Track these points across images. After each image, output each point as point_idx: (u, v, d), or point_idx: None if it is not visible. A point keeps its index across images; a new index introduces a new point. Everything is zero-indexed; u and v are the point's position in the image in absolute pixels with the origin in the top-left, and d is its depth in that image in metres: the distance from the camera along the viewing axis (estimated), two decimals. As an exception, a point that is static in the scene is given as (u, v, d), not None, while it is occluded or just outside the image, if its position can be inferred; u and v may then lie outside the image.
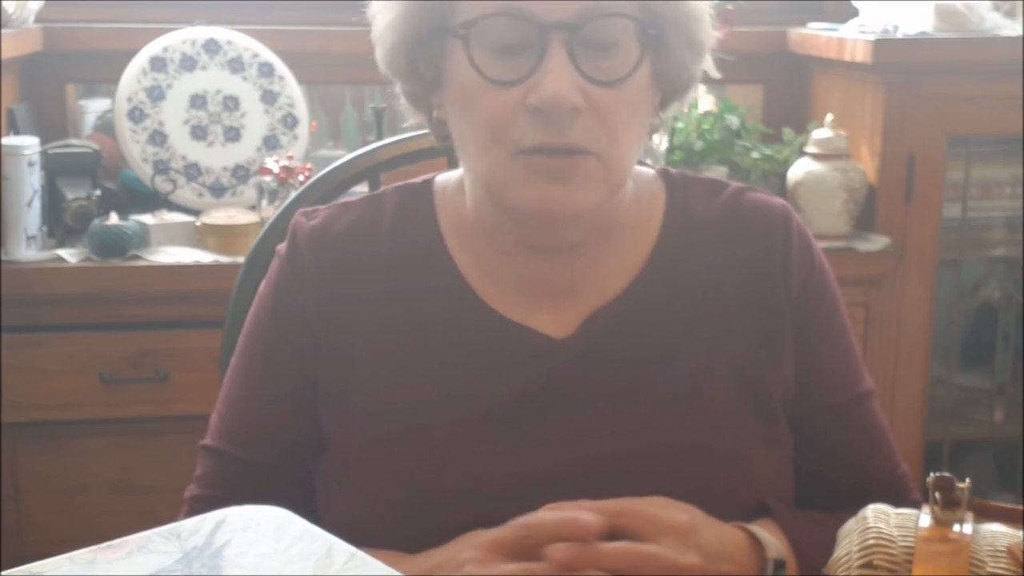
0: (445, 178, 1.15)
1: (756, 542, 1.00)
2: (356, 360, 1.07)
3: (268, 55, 2.47)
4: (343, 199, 1.17)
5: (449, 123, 1.06)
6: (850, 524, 0.86)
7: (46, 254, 2.21)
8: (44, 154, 2.26)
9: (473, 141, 1.02)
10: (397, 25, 1.04)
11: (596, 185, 1.01)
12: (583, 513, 0.92)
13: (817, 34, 2.59)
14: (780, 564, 1.00)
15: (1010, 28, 2.44)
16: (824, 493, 1.11)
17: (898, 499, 1.01)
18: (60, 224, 2.28)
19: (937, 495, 0.83)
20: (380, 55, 1.08)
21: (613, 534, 0.93)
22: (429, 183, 1.14)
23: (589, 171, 1.00)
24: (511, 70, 0.98)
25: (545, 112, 0.97)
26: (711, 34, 1.07)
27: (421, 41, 1.04)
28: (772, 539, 1.01)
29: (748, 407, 1.08)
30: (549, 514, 0.93)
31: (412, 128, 1.23)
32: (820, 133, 2.45)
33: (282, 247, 1.12)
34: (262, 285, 1.13)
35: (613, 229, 1.09)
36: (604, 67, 0.99)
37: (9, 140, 2.21)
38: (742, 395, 1.07)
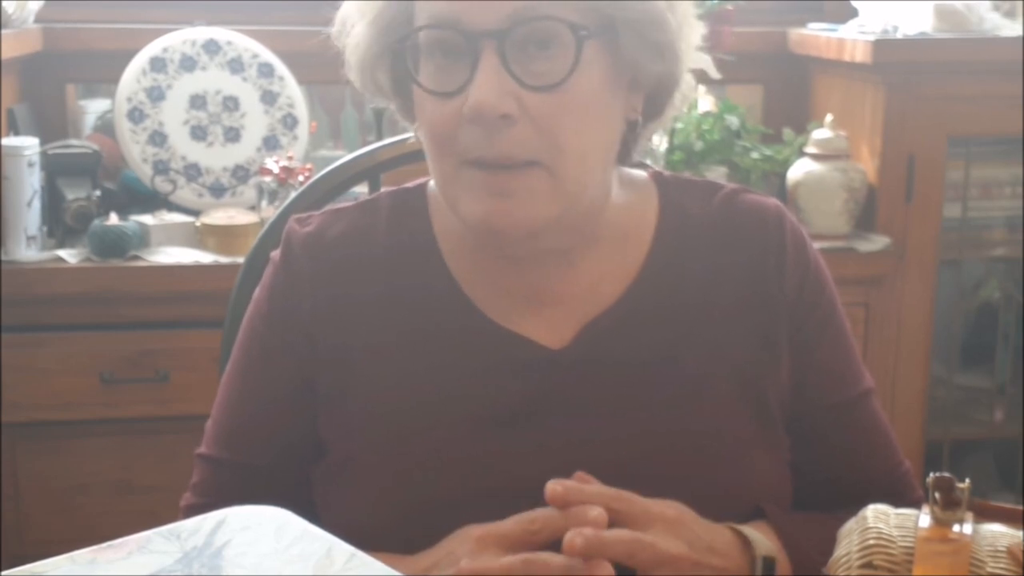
0: None
1: (745, 540, 1.00)
2: (353, 362, 1.07)
3: (268, 55, 2.47)
4: (336, 205, 1.17)
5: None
6: (850, 524, 0.86)
7: (46, 254, 2.21)
8: (44, 154, 2.26)
9: (428, 154, 1.03)
10: (361, 44, 1.05)
11: (543, 199, 0.99)
12: (593, 508, 0.92)
13: (817, 34, 2.59)
14: (769, 562, 1.00)
15: (1010, 28, 2.44)
16: (827, 493, 1.11)
17: (901, 497, 1.01)
18: (60, 224, 2.28)
19: (937, 495, 0.83)
20: (353, 76, 1.09)
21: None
22: (423, 187, 1.14)
23: (533, 185, 0.98)
24: (450, 82, 0.98)
25: (476, 121, 0.97)
26: (684, 34, 1.03)
27: (386, 59, 1.04)
28: (761, 537, 1.01)
29: (748, 409, 1.07)
30: (556, 511, 0.93)
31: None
32: (820, 133, 2.45)
33: (276, 253, 1.12)
34: (256, 291, 1.13)
35: (603, 235, 1.08)
36: (539, 72, 0.97)
37: (9, 140, 2.21)
38: (742, 397, 1.07)
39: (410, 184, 1.15)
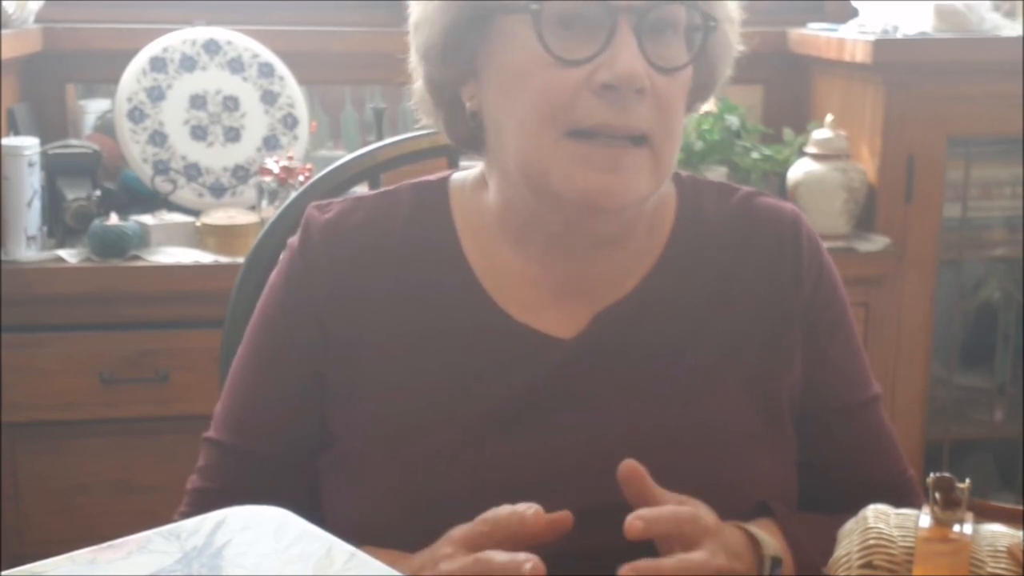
0: (462, 176, 1.14)
1: (754, 540, 1.01)
2: (365, 355, 1.07)
3: (268, 55, 2.47)
4: (356, 193, 1.16)
5: (485, 111, 1.05)
6: (850, 524, 0.86)
7: (46, 254, 2.21)
8: (44, 154, 2.26)
9: (519, 123, 1.01)
10: (449, 6, 1.03)
11: (646, 177, 1.01)
12: (531, 507, 0.92)
13: (817, 34, 2.59)
14: (777, 562, 1.00)
15: (1010, 28, 2.44)
16: (830, 495, 1.11)
17: (904, 503, 1.01)
18: (60, 224, 2.28)
19: (937, 495, 0.83)
20: (422, 38, 1.06)
21: (656, 536, 0.94)
22: (445, 181, 1.14)
23: (640, 162, 1.00)
24: (576, 49, 0.98)
25: (617, 89, 0.97)
26: (739, 41, 1.08)
27: (470, 23, 1.03)
28: (769, 538, 1.01)
29: (755, 406, 1.08)
30: (504, 509, 0.93)
31: (413, 128, 1.23)
32: (820, 133, 2.45)
33: (294, 240, 1.12)
34: (272, 277, 1.13)
35: (635, 228, 1.09)
36: (663, 55, 1.00)
37: (9, 140, 2.21)
38: (749, 394, 1.08)
39: (432, 177, 1.15)
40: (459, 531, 0.95)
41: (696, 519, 0.95)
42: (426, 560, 0.96)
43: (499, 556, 0.90)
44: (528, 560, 0.88)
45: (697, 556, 0.93)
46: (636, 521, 0.92)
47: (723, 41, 1.06)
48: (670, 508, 0.95)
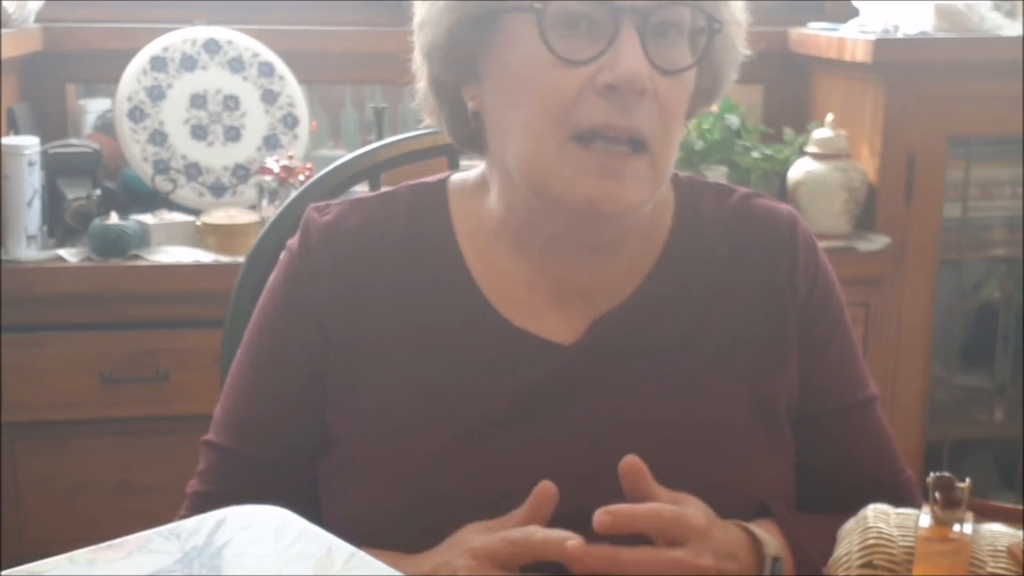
0: (461, 178, 1.14)
1: (754, 540, 1.01)
2: (364, 357, 1.07)
3: (268, 55, 2.47)
4: (355, 195, 1.16)
5: (487, 111, 1.05)
6: (850, 524, 0.86)
7: (46, 254, 2.21)
8: (44, 154, 2.26)
9: (522, 124, 1.01)
10: (454, 6, 1.03)
11: (645, 184, 1.01)
12: (571, 537, 0.91)
13: (817, 34, 2.59)
14: (777, 561, 1.00)
15: (1010, 28, 2.44)
16: (828, 497, 1.11)
17: (901, 504, 1.01)
18: (60, 224, 2.28)
19: (937, 495, 0.83)
20: (427, 38, 1.06)
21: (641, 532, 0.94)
22: (443, 183, 1.14)
23: (640, 170, 1.00)
24: (580, 50, 0.98)
25: (618, 90, 0.97)
26: (745, 45, 1.08)
27: (474, 22, 1.02)
28: (769, 537, 1.02)
29: (753, 408, 1.08)
30: (539, 533, 0.93)
31: (413, 127, 1.23)
32: (820, 133, 2.45)
33: (293, 241, 1.12)
34: (271, 279, 1.13)
35: (632, 231, 1.09)
36: (667, 56, 0.99)
37: (9, 140, 2.21)
38: (747, 396, 1.08)
39: (430, 178, 1.15)
40: (480, 543, 0.94)
41: (679, 518, 0.95)
42: (438, 564, 0.96)
43: None
44: None
45: (674, 553, 0.93)
46: (604, 516, 0.92)
47: (728, 44, 1.06)
48: (647, 506, 0.95)
